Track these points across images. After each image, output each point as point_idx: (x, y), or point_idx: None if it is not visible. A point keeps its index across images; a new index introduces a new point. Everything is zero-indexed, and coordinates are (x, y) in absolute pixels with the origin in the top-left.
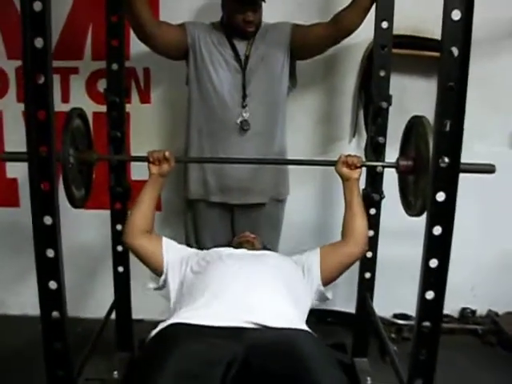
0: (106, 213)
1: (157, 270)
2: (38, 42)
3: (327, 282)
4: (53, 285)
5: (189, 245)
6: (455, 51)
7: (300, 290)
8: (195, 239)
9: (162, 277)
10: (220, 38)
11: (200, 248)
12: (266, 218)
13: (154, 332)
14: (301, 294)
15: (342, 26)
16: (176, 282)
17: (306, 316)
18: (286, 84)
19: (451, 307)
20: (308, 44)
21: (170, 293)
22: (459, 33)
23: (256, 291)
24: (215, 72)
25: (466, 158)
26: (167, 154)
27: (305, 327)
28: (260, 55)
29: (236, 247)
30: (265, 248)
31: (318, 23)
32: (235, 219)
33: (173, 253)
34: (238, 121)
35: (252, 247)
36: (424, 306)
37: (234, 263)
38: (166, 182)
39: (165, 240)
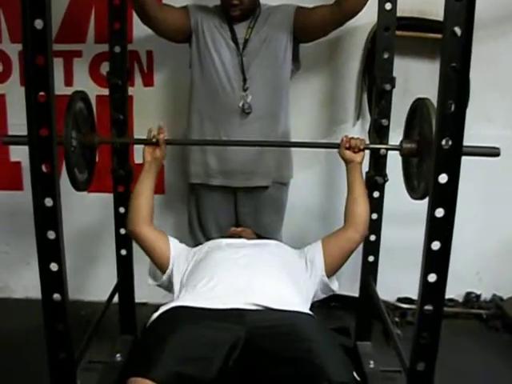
0: (109, 196)
1: (161, 266)
2: (38, 24)
3: (331, 271)
4: (54, 267)
5: (192, 228)
6: (458, 31)
7: (302, 279)
8: (198, 222)
9: (167, 271)
10: (221, 21)
11: (203, 231)
12: (269, 201)
13: (155, 315)
14: (303, 283)
15: (345, 8)
16: (180, 277)
17: (308, 304)
18: (289, 67)
19: (456, 291)
20: (311, 26)
21: (174, 289)
22: (462, 12)
23: (258, 275)
24: (217, 55)
25: (471, 141)
26: (161, 136)
27: (307, 310)
28: (261, 38)
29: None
30: (260, 237)
31: (321, 5)
32: (238, 202)
33: (178, 250)
34: (240, 104)
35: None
36: (426, 289)
37: (235, 251)
38: (160, 167)
39: (171, 238)
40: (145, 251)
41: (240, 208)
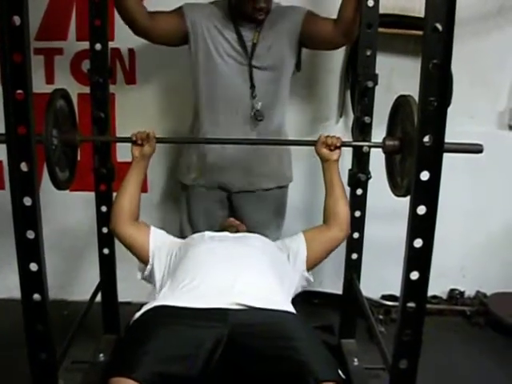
0: (91, 194)
1: (143, 260)
2: (16, 20)
3: (311, 267)
4: (33, 267)
5: (182, 230)
6: (439, 27)
7: (284, 272)
8: (189, 225)
9: (148, 267)
10: (225, 22)
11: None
12: (268, 203)
13: (138, 314)
14: (285, 276)
15: (343, 22)
16: (161, 271)
17: (290, 298)
18: (292, 71)
19: (440, 288)
20: (317, 37)
21: (156, 283)
22: (443, 8)
23: (241, 273)
24: (221, 59)
25: (455, 138)
26: (151, 133)
27: (290, 309)
28: (268, 43)
29: (219, 231)
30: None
31: (330, 19)
32: (235, 206)
33: (159, 243)
34: (252, 112)
35: (236, 232)
36: (409, 287)
37: (217, 245)
38: (148, 165)
39: (153, 230)
40: (126, 248)
41: (237, 211)
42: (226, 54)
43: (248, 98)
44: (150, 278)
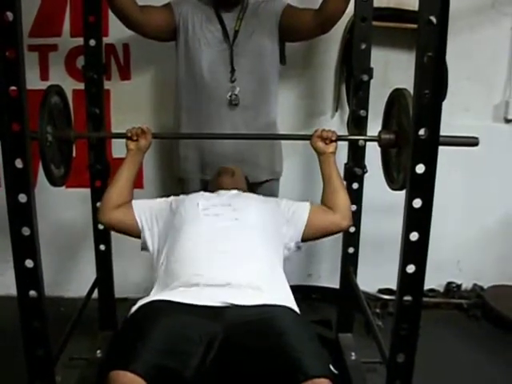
0: (87, 191)
1: (136, 235)
2: (8, 16)
3: (306, 239)
4: (29, 263)
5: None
6: (433, 20)
7: (276, 241)
8: None
9: (142, 238)
10: (208, 13)
11: None
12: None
13: (133, 308)
14: (277, 245)
15: (326, 12)
16: (154, 238)
17: (282, 265)
18: (277, 61)
19: (437, 281)
20: (295, 28)
21: (152, 252)
22: (437, 1)
23: (236, 268)
24: (207, 48)
25: (450, 131)
26: (145, 127)
27: (287, 301)
28: (249, 31)
29: (213, 190)
30: (247, 183)
31: (308, 9)
32: None
33: (143, 211)
34: (228, 96)
35: (232, 177)
36: (405, 280)
37: (213, 225)
38: (142, 160)
39: (133, 203)
40: (119, 233)
41: None
42: (211, 43)
43: (227, 82)
44: (145, 247)
